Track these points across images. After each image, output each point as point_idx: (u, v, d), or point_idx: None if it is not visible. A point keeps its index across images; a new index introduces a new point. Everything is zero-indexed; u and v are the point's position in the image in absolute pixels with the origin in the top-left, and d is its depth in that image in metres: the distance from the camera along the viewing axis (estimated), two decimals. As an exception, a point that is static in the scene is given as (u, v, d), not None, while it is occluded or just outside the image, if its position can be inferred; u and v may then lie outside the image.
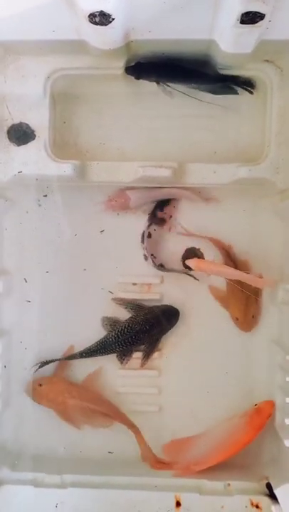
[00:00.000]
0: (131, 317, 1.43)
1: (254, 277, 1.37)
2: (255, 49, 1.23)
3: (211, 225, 1.44)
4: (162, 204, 1.44)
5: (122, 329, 1.41)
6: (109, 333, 1.42)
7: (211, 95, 1.37)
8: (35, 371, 1.42)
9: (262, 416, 1.30)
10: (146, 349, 1.44)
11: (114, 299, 1.45)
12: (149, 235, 1.44)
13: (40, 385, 1.41)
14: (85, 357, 1.43)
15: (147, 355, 1.44)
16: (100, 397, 1.43)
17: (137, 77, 1.34)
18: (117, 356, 1.44)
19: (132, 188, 1.42)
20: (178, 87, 1.36)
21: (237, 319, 1.42)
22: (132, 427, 1.40)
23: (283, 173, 1.34)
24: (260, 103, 1.38)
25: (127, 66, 1.33)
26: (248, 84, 1.36)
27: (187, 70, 1.34)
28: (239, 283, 1.36)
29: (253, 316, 1.42)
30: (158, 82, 1.35)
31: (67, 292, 1.46)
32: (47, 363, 1.43)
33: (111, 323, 1.44)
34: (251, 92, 1.37)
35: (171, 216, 1.44)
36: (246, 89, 1.37)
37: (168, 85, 1.35)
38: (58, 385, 1.42)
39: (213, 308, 1.45)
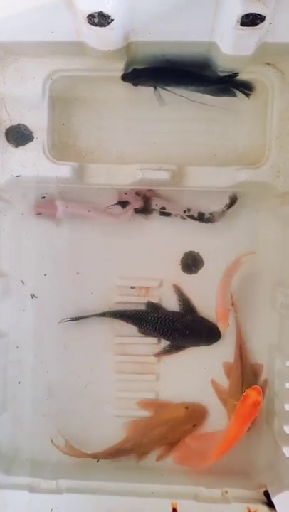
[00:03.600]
0: (179, 313, 1.43)
1: (236, 264, 1.37)
2: (256, 52, 1.22)
3: (210, 230, 1.43)
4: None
5: (164, 317, 1.41)
6: (152, 312, 1.42)
7: (210, 98, 1.36)
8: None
9: (246, 404, 1.21)
10: (168, 347, 1.43)
11: (174, 285, 1.43)
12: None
13: None
14: (117, 318, 1.42)
15: (165, 352, 1.43)
16: None
17: (135, 84, 1.34)
18: (139, 330, 1.43)
19: (63, 199, 1.41)
20: (177, 91, 1.35)
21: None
22: None
23: (284, 177, 1.33)
24: (261, 106, 1.37)
25: (123, 73, 1.33)
26: (245, 87, 1.35)
27: (184, 73, 1.33)
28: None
29: None
30: (155, 88, 1.35)
31: (65, 294, 1.45)
32: (75, 319, 1.42)
33: (155, 307, 1.43)
34: (248, 95, 1.36)
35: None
36: (243, 92, 1.36)
37: (166, 89, 1.34)
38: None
39: (211, 314, 1.43)
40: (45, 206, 1.42)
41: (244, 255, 1.38)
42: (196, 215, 1.42)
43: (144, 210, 1.42)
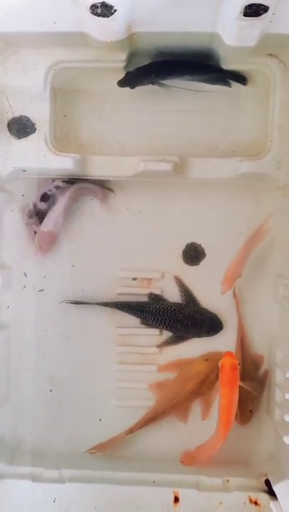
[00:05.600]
0: (181, 304, 1.44)
1: (256, 234, 1.37)
2: (258, 43, 1.22)
3: (212, 221, 1.44)
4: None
5: (165, 308, 1.42)
6: (154, 303, 1.43)
7: (211, 87, 1.36)
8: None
9: (225, 371, 1.24)
10: (171, 338, 1.44)
11: (174, 277, 1.44)
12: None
13: None
14: (119, 309, 1.43)
15: (167, 343, 1.44)
16: None
17: (132, 87, 1.34)
18: (142, 321, 1.44)
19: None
20: (175, 83, 1.34)
21: None
22: None
23: (285, 169, 1.33)
24: (263, 97, 1.37)
25: (118, 80, 1.33)
26: (238, 78, 1.35)
27: (176, 64, 1.32)
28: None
29: (250, 411, 1.38)
30: (153, 84, 1.34)
31: (67, 286, 1.45)
32: (76, 302, 1.43)
33: (157, 299, 1.44)
34: (244, 84, 1.36)
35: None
36: (239, 82, 1.36)
37: (163, 83, 1.34)
38: None
39: (213, 305, 1.44)
40: (44, 240, 1.42)
41: (266, 221, 1.37)
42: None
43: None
